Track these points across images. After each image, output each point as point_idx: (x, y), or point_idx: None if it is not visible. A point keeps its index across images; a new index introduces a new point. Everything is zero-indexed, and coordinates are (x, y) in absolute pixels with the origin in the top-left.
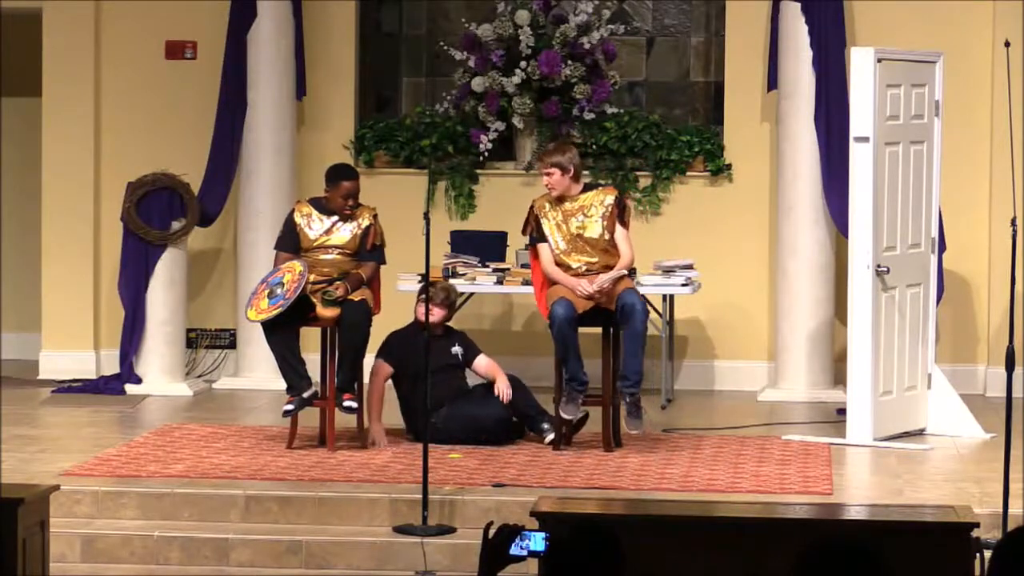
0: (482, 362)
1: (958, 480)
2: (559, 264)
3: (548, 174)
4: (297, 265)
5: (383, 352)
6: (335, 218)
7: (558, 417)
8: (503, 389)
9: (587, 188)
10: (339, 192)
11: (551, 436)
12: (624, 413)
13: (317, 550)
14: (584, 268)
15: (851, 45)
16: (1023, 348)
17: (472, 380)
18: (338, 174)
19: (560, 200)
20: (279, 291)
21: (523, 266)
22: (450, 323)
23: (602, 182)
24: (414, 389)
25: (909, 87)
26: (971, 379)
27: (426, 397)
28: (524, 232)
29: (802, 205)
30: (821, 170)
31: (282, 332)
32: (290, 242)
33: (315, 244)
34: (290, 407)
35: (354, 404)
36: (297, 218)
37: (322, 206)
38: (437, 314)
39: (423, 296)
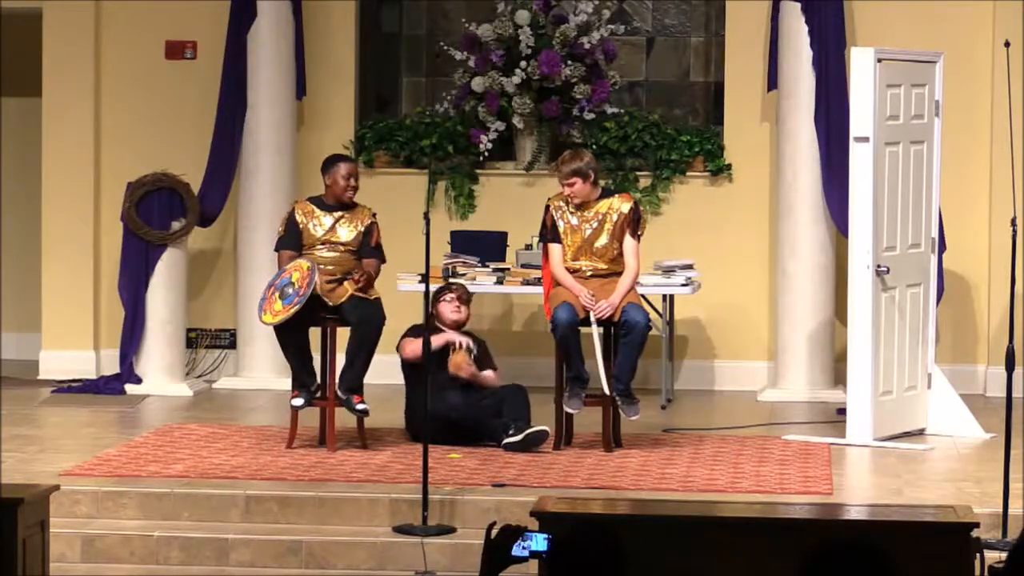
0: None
1: (958, 480)
2: (566, 266)
3: (570, 184)
4: (303, 263)
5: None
6: (338, 215)
7: (561, 414)
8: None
9: (605, 194)
10: (339, 174)
11: (509, 439)
12: (619, 404)
13: (317, 550)
14: (590, 273)
15: (851, 45)
16: (1023, 348)
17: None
18: (333, 159)
19: (577, 204)
20: (291, 291)
21: (523, 266)
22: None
23: (618, 189)
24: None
25: (909, 87)
26: (971, 379)
27: (426, 397)
28: (541, 233)
29: (802, 205)
30: (821, 170)
31: (294, 332)
32: (292, 241)
33: (319, 240)
34: (299, 401)
35: (367, 407)
36: (298, 216)
37: (323, 202)
38: (463, 313)
39: (445, 297)
